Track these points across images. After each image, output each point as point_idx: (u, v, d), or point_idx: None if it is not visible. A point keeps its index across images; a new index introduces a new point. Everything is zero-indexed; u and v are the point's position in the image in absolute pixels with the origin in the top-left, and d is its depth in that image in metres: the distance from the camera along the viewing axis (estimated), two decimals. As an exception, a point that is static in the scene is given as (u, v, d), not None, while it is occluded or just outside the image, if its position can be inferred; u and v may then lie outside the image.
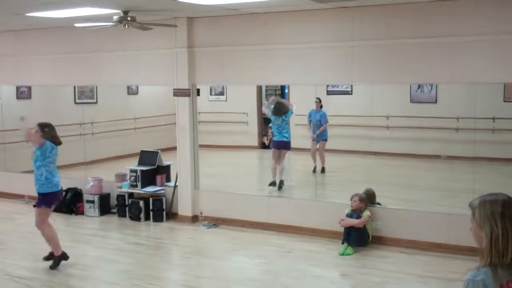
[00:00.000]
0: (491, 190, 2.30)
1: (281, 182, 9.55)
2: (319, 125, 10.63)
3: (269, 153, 13.55)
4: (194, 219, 8.27)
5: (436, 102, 11.50)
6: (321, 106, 10.67)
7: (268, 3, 6.50)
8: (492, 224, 2.16)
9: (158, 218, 8.37)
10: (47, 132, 6.49)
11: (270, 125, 10.62)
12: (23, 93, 11.15)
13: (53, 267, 6.40)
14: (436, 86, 11.15)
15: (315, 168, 10.46)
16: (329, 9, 7.04)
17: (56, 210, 8.81)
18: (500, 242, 2.14)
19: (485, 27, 6.31)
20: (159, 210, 8.38)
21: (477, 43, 6.42)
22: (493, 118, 10.57)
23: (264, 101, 15.14)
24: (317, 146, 10.65)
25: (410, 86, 11.27)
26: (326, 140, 10.66)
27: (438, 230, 6.77)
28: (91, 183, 8.88)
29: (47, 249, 6.65)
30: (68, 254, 6.58)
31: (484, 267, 2.16)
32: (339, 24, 7.15)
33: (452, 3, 6.41)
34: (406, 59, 6.85)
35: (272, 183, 9.55)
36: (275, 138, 9.97)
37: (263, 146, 13.72)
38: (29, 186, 8.84)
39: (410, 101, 11.75)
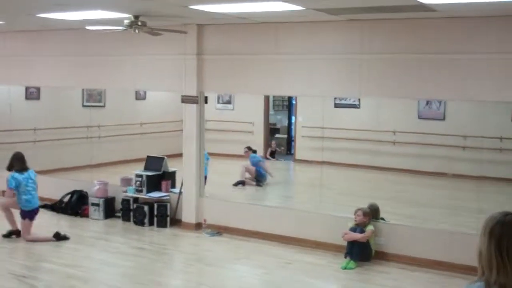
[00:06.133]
0: (495, 210, 2.29)
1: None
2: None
3: (274, 164, 13.61)
4: (198, 226, 8.28)
5: (444, 119, 11.50)
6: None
7: (278, 13, 6.53)
8: (481, 239, 2.17)
9: (162, 224, 8.37)
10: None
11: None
12: (32, 94, 11.23)
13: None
14: (445, 103, 11.15)
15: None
16: (340, 21, 7.06)
17: (61, 212, 8.99)
18: (484, 259, 2.13)
19: (496, 46, 6.30)
20: (163, 216, 8.39)
21: (487, 62, 6.41)
22: (501, 138, 10.56)
23: (271, 111, 15.22)
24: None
25: (418, 102, 11.28)
26: None
27: (441, 248, 6.73)
28: (97, 186, 8.90)
29: (51, 249, 6.77)
30: (72, 256, 6.85)
31: (479, 281, 2.14)
32: (349, 37, 7.17)
33: (463, 21, 6.42)
34: (414, 75, 6.84)
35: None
36: None
37: (272, 155, 13.80)
38: (43, 187, 8.85)
39: (418, 117, 11.76)
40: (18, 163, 7.56)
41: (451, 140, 11.01)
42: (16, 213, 7.67)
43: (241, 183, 10.93)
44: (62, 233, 7.62)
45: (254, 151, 11.40)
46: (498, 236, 2.12)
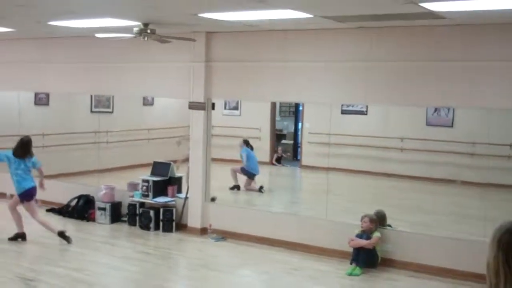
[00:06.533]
0: (503, 218, 2.29)
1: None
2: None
3: (279, 169, 13.63)
4: (203, 231, 8.28)
5: (452, 126, 11.46)
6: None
7: (286, 20, 6.56)
8: (490, 248, 2.12)
9: (167, 229, 8.39)
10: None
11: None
12: (41, 100, 11.31)
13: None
14: (453, 110, 11.12)
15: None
16: (347, 29, 7.07)
17: (68, 216, 9.04)
18: (491, 270, 2.08)
19: (504, 53, 6.29)
20: (169, 221, 8.41)
21: (495, 69, 6.39)
22: (510, 145, 10.51)
23: (278, 117, 15.24)
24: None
25: (427, 109, 11.25)
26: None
27: (449, 256, 6.70)
28: (104, 191, 8.94)
29: (57, 252, 6.79)
30: (78, 260, 6.91)
31: None
32: (356, 44, 7.18)
33: (472, 28, 6.41)
34: (422, 82, 6.83)
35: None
36: None
37: (278, 161, 13.83)
38: (50, 191, 8.88)
39: (426, 124, 11.72)
40: (19, 149, 7.60)
41: (460, 147, 10.96)
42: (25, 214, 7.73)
43: (236, 187, 10.96)
44: (67, 234, 7.64)
45: (251, 147, 11.40)
46: (506, 245, 2.08)
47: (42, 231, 7.68)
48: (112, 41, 7.94)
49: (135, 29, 6.88)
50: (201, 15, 6.25)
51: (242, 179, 11.12)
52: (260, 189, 10.94)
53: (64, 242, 7.57)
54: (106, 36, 7.60)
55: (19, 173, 7.56)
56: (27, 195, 7.60)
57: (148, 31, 6.89)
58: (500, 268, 2.05)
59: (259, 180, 11.18)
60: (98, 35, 7.80)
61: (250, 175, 11.07)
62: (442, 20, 6.14)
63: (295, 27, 7.32)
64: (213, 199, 8.66)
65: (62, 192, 9.52)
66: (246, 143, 11.43)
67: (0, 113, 10.76)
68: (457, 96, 6.69)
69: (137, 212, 8.64)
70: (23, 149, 7.61)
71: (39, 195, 7.95)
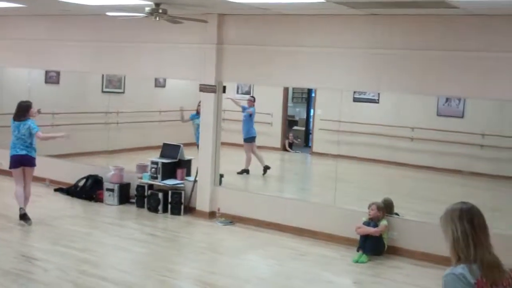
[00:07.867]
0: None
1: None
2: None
3: (290, 156, 13.62)
4: (211, 215, 8.30)
5: (463, 117, 11.38)
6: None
7: (299, 5, 6.49)
8: (452, 227, 2.45)
9: (175, 211, 8.41)
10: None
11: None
12: (51, 78, 11.31)
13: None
14: (464, 100, 11.04)
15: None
16: (361, 15, 7.01)
17: (76, 196, 9.06)
18: (461, 241, 2.40)
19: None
20: (177, 204, 8.43)
21: (509, 59, 6.31)
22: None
23: (290, 103, 15.18)
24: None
25: (438, 99, 11.19)
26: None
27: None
28: (112, 172, 8.97)
29: (64, 232, 6.97)
30: (84, 240, 6.97)
31: (461, 264, 2.37)
32: (370, 31, 7.11)
33: (484, 19, 6.33)
34: (435, 71, 6.77)
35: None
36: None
37: (290, 146, 13.81)
38: (51, 170, 8.99)
39: (437, 114, 11.66)
40: (15, 112, 7.59)
41: (469, 138, 10.89)
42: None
43: (245, 171, 10.92)
44: (28, 218, 7.47)
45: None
46: (469, 217, 2.44)
47: (50, 210, 7.72)
48: (124, 21, 7.91)
49: (147, 9, 6.84)
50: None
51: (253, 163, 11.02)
52: (265, 169, 10.84)
53: (24, 222, 7.45)
54: (117, 15, 7.57)
55: (12, 139, 7.56)
56: (11, 164, 7.59)
57: (160, 11, 6.85)
58: (469, 237, 2.39)
59: (267, 163, 11.11)
60: (109, 13, 7.78)
61: (253, 139, 10.95)
62: (455, 10, 6.06)
63: (307, 12, 7.26)
64: (221, 178, 8.65)
65: (71, 172, 9.56)
66: (255, 100, 11.23)
67: (10, 91, 10.71)
68: (470, 86, 6.62)
69: (146, 194, 8.66)
70: (17, 112, 7.56)
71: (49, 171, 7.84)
